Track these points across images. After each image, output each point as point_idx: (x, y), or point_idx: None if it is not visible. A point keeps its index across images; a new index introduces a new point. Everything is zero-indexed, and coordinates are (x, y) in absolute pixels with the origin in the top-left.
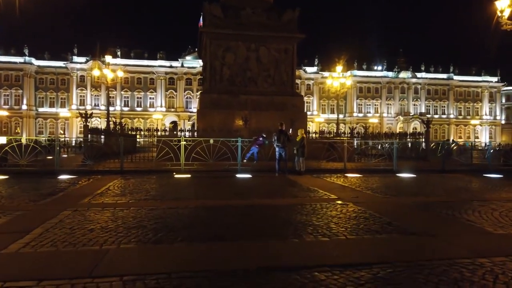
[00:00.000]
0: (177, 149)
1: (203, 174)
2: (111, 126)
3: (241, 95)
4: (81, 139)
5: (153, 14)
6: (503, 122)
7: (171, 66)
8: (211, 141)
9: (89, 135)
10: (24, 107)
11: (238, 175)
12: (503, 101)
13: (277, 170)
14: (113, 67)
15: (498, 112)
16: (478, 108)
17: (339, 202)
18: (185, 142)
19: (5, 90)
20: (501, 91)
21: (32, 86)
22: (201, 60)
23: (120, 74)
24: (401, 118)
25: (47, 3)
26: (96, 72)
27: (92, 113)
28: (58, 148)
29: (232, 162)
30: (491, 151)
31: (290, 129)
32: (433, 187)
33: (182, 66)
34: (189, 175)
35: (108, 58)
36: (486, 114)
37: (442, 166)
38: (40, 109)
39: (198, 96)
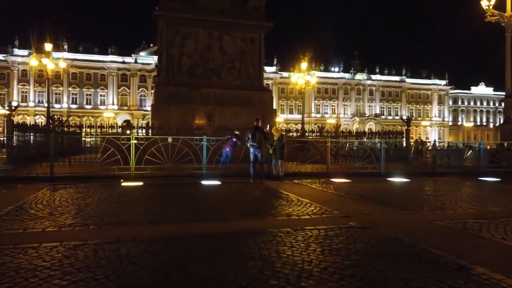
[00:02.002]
0: (126, 150)
1: (160, 181)
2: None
3: (202, 88)
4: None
5: (105, 7)
6: (450, 123)
7: (124, 62)
8: (169, 139)
9: (14, 133)
10: None
11: (204, 182)
12: (450, 103)
13: (252, 176)
14: (59, 61)
15: (446, 114)
16: (428, 110)
17: (354, 224)
18: (136, 141)
19: None
20: (449, 94)
21: None
22: (156, 57)
23: (63, 65)
24: (357, 119)
25: None
26: (34, 62)
27: (18, 105)
28: None
29: (196, 165)
30: (482, 152)
31: (268, 126)
32: (444, 196)
33: (136, 62)
34: (141, 183)
35: (48, 47)
36: (435, 116)
37: (433, 168)
38: None
39: (153, 91)
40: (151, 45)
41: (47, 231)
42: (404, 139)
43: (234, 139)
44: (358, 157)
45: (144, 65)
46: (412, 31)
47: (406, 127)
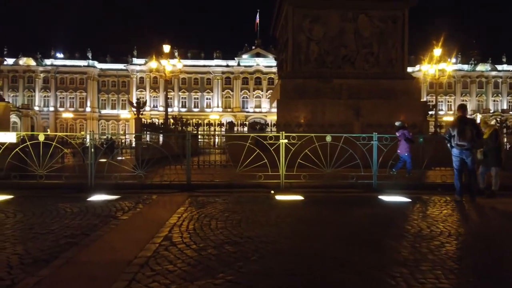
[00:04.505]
0: (275, 152)
1: (320, 194)
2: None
3: (334, 79)
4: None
5: (209, 13)
6: None
7: (227, 66)
8: (328, 138)
9: (144, 133)
10: (88, 109)
11: (382, 197)
12: None
13: (457, 191)
14: (176, 63)
15: None
16: None
17: None
18: (286, 141)
19: (70, 93)
20: None
21: (95, 88)
22: (257, 59)
23: (179, 65)
24: (480, 115)
25: (109, 9)
26: (153, 64)
27: (146, 101)
28: (92, 150)
29: (363, 172)
30: None
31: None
32: None
33: (239, 65)
34: (298, 197)
35: (167, 48)
36: None
37: None
38: (103, 111)
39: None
40: (253, 47)
41: None
42: None
43: (407, 134)
44: None
45: (246, 67)
46: None
47: None
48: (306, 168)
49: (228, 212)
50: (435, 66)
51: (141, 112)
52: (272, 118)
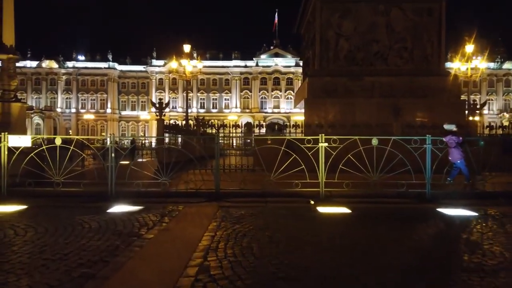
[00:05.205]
0: (313, 157)
1: (366, 205)
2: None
3: (365, 77)
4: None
5: (227, 13)
6: None
7: (246, 66)
8: (374, 141)
9: (165, 134)
10: (109, 110)
11: (441, 211)
12: None
13: None
14: (197, 63)
15: None
16: None
17: None
18: (326, 144)
19: (91, 95)
20: None
21: (116, 90)
22: (276, 59)
23: (200, 65)
24: (507, 115)
25: (128, 11)
26: (174, 64)
27: (168, 102)
28: (113, 155)
29: (414, 180)
30: None
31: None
32: None
33: (257, 65)
34: (343, 209)
35: (187, 48)
36: None
37: None
38: (123, 112)
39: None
40: (271, 47)
41: None
42: None
43: (457, 140)
44: None
45: (264, 67)
46: None
47: None
48: (344, 173)
49: (268, 229)
50: (467, 64)
51: (163, 113)
52: (294, 118)
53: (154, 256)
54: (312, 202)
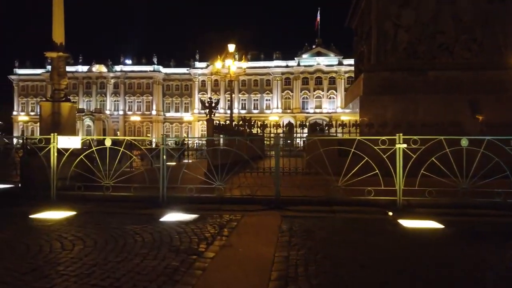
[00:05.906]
0: (389, 160)
1: (457, 218)
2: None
3: (428, 72)
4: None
5: (269, 13)
6: None
7: (287, 66)
8: (464, 142)
9: (214, 135)
10: (154, 112)
11: None
12: None
13: None
14: (241, 62)
15: None
16: None
17: None
18: (405, 145)
19: (137, 97)
20: None
21: (160, 92)
22: (318, 58)
23: (244, 65)
24: None
25: (173, 15)
26: (218, 65)
27: (218, 101)
28: (164, 158)
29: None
30: None
31: None
32: None
33: (299, 65)
34: (431, 223)
35: (232, 47)
36: None
37: None
38: (167, 114)
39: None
40: (313, 46)
41: None
42: None
43: None
44: None
45: (306, 67)
46: None
47: None
48: (422, 179)
49: (349, 247)
50: None
51: (213, 113)
52: (338, 118)
53: (220, 284)
54: (391, 214)
